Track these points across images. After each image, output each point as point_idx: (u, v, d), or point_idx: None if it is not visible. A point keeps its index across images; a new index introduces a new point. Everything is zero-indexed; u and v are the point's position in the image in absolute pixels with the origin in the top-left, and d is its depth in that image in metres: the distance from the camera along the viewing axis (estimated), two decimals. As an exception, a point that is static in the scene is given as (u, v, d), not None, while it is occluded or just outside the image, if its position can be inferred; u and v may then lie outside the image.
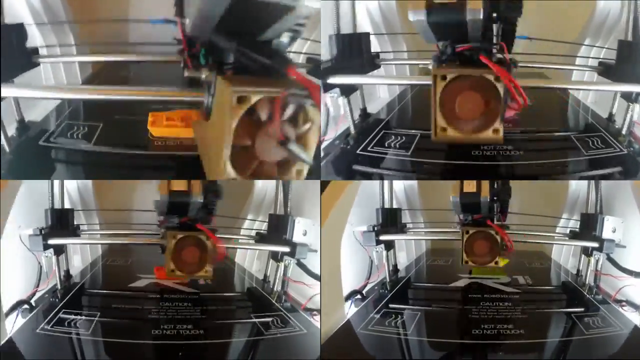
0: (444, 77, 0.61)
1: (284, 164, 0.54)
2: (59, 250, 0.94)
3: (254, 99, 0.49)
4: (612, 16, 1.06)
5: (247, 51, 0.50)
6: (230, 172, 0.51)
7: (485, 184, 0.91)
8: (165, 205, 0.86)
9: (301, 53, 0.93)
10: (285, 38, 0.53)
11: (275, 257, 0.99)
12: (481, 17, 0.59)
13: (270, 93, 0.48)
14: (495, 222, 0.95)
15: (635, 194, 1.00)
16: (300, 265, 0.95)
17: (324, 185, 0.87)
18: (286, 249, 0.95)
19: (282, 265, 0.97)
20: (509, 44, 0.65)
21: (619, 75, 0.83)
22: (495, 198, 0.94)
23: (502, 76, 0.59)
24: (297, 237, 0.95)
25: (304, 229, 0.94)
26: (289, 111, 0.50)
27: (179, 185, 0.85)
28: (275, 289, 0.99)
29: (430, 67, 0.69)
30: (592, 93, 1.09)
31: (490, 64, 0.59)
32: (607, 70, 0.86)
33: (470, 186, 0.91)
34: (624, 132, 0.85)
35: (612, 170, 0.76)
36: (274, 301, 0.95)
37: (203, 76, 0.55)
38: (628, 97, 0.82)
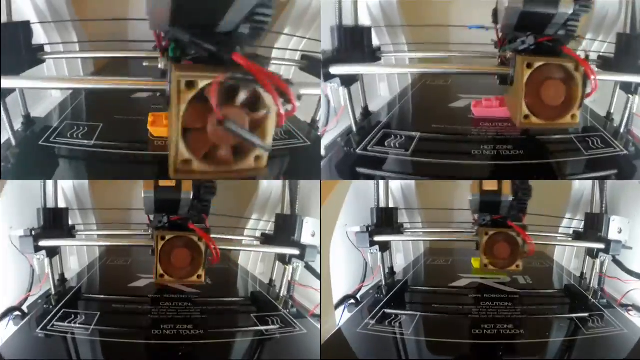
0: (529, 65, 0.64)
1: (242, 151, 0.55)
2: (52, 252, 0.91)
3: (201, 83, 0.51)
4: (612, 13, 1.06)
5: (199, 42, 0.52)
6: (183, 151, 0.53)
7: (507, 183, 0.88)
8: (152, 202, 0.80)
9: (297, 50, 0.93)
10: (244, 29, 0.54)
11: (283, 259, 0.96)
12: (571, 12, 0.63)
13: (210, 77, 0.51)
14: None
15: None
16: (309, 268, 0.92)
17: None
18: (295, 252, 0.92)
19: (289, 268, 0.94)
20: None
21: (618, 68, 0.84)
22: (515, 197, 0.90)
23: (584, 66, 0.63)
24: (305, 239, 0.92)
25: (313, 230, 0.91)
26: (241, 96, 0.52)
27: (167, 180, 0.79)
28: (281, 294, 0.96)
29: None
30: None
31: (574, 54, 0.64)
32: (606, 64, 0.86)
33: (490, 185, 0.88)
34: (622, 129, 0.86)
35: (607, 173, 0.76)
36: (280, 307, 0.93)
37: (160, 65, 0.59)
38: (627, 88, 0.83)
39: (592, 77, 0.63)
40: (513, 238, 0.89)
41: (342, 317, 0.87)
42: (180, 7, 0.50)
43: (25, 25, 0.82)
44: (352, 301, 0.92)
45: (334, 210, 0.95)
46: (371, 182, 1.03)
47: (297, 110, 0.52)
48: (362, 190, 1.04)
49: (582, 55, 0.66)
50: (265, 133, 0.55)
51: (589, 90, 0.65)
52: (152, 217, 0.86)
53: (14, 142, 0.80)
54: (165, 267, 0.81)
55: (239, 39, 0.54)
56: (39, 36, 1.00)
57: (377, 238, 0.97)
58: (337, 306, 0.90)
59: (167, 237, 0.80)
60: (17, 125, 0.85)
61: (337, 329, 0.82)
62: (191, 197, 0.81)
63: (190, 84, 0.51)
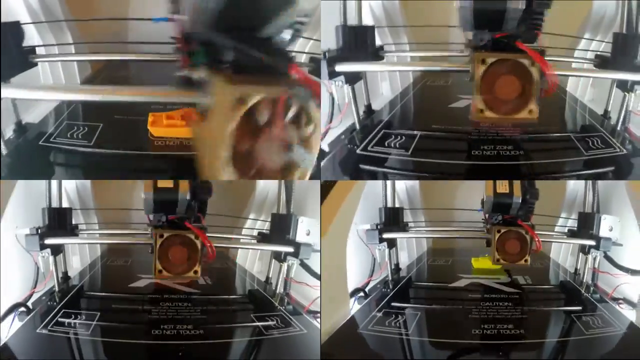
0: (483, 61, 0.66)
1: (286, 167, 0.54)
2: (57, 250, 0.92)
3: (255, 99, 0.47)
4: (609, 13, 1.07)
5: (246, 48, 0.48)
6: (231, 174, 0.50)
7: (517, 185, 0.93)
8: (151, 202, 0.83)
9: (304, 52, 0.93)
10: (286, 35, 0.51)
11: (278, 257, 0.98)
12: (522, 7, 0.64)
13: (272, 93, 0.47)
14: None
15: (629, 194, 1.01)
16: (304, 265, 0.94)
17: (329, 185, 0.86)
18: (290, 249, 0.94)
19: (285, 265, 0.96)
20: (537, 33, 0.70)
21: (614, 67, 0.85)
22: (524, 199, 0.95)
23: (539, 61, 0.64)
24: (300, 237, 0.94)
25: (308, 229, 0.93)
26: (292, 112, 0.49)
27: (165, 182, 0.82)
28: (277, 291, 0.98)
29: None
30: (589, 91, 1.10)
31: (528, 49, 0.65)
32: (603, 63, 0.88)
33: (503, 187, 0.93)
34: (619, 127, 0.87)
35: (605, 170, 0.78)
36: (276, 303, 0.95)
37: (196, 75, 0.53)
38: (623, 86, 0.85)
39: (548, 71, 0.64)
40: (522, 235, 0.95)
41: (352, 308, 0.91)
42: (226, 9, 0.46)
43: (15, 26, 0.79)
44: (362, 294, 0.96)
45: (351, 209, 0.97)
46: (378, 185, 1.06)
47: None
48: (370, 192, 1.05)
49: (539, 51, 0.66)
50: (313, 148, 0.52)
51: (549, 86, 0.66)
52: (151, 216, 0.87)
53: (5, 151, 0.79)
54: (164, 263, 0.84)
55: (284, 45, 0.51)
56: (32, 37, 0.95)
57: (385, 235, 1.02)
58: (350, 296, 0.94)
59: (165, 235, 0.83)
60: (9, 133, 0.84)
61: (349, 318, 0.84)
62: (188, 197, 0.83)
63: (241, 100, 0.47)
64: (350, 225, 0.98)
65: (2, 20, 0.78)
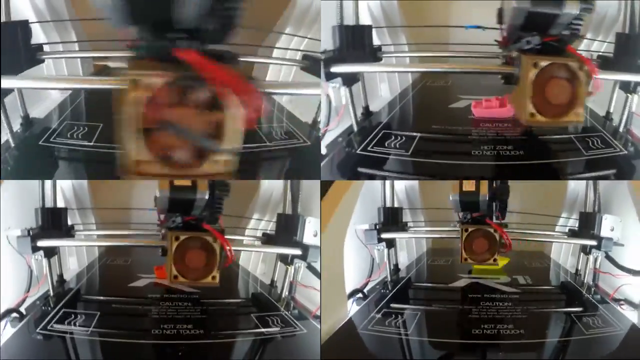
0: (535, 65, 0.66)
1: (202, 154, 0.53)
2: (51, 252, 0.90)
3: (147, 81, 0.49)
4: (611, 13, 1.07)
5: (151, 39, 0.51)
6: (134, 152, 0.51)
7: (484, 183, 0.93)
8: (166, 202, 0.78)
9: (299, 50, 0.93)
10: (208, 25, 0.51)
11: (284, 259, 0.96)
12: (576, 12, 0.65)
13: (155, 76, 0.49)
14: (494, 221, 0.96)
15: (631, 194, 1.01)
16: (311, 268, 0.92)
17: (327, 185, 0.86)
18: (297, 252, 0.92)
19: (291, 268, 0.94)
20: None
21: (617, 67, 0.85)
22: (494, 197, 0.96)
23: (588, 65, 0.65)
24: (307, 239, 0.91)
25: (315, 230, 0.91)
26: (195, 96, 0.49)
27: (182, 180, 0.77)
28: (283, 295, 0.96)
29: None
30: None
31: (578, 54, 0.66)
32: (605, 63, 0.87)
33: (469, 185, 0.93)
34: (621, 128, 0.87)
35: (606, 172, 0.77)
36: (282, 308, 0.93)
37: (113, 66, 0.58)
38: (626, 87, 0.85)
39: (595, 76, 0.65)
40: (490, 234, 0.95)
41: (350, 309, 0.90)
42: (135, 1, 0.48)
43: (24, 25, 0.81)
44: (360, 295, 0.95)
45: (348, 209, 0.96)
46: (377, 184, 1.05)
47: (263, 113, 0.50)
48: (368, 191, 1.05)
49: (586, 55, 0.68)
50: (225, 135, 0.52)
51: (591, 89, 0.66)
52: (162, 216, 0.84)
53: (12, 143, 0.79)
54: (179, 268, 0.79)
55: (203, 35, 0.51)
56: (38, 36, 0.98)
57: (384, 235, 1.01)
58: (348, 297, 0.93)
59: (182, 238, 0.79)
60: (16, 127, 0.84)
61: (347, 320, 0.83)
62: (207, 197, 0.79)
63: (137, 84, 0.50)
64: (347, 225, 0.98)
65: (12, 19, 0.80)
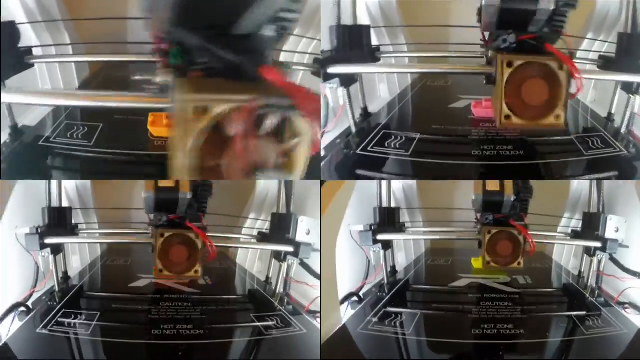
0: (509, 64, 0.63)
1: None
2: (56, 249, 0.93)
3: (220, 109, 0.39)
4: (612, 13, 1.06)
5: (213, 48, 0.41)
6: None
7: (509, 183, 0.90)
8: (152, 202, 0.84)
9: (307, 53, 0.92)
10: (268, 31, 0.43)
11: (278, 257, 0.98)
12: (552, 7, 0.62)
13: (237, 102, 0.39)
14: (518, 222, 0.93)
15: (638, 194, 1.00)
16: (304, 265, 0.94)
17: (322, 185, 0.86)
18: (289, 249, 0.94)
19: (284, 265, 0.96)
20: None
21: (619, 68, 0.83)
22: (517, 197, 0.93)
23: (568, 64, 0.61)
24: (300, 237, 0.94)
25: (308, 228, 0.93)
26: (269, 124, 0.41)
27: (166, 181, 0.83)
28: (277, 291, 0.98)
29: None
30: (591, 92, 1.09)
31: (557, 52, 0.62)
32: (607, 64, 0.86)
33: (493, 185, 0.90)
34: (623, 129, 0.86)
35: (608, 174, 0.77)
36: (276, 303, 0.94)
37: (159, 79, 0.46)
38: (628, 88, 0.83)
39: (577, 75, 0.61)
40: (515, 236, 0.92)
41: (345, 314, 0.88)
42: (188, 1, 0.40)
43: (10, 26, 0.78)
44: (355, 298, 0.93)
45: (340, 209, 0.96)
46: (374, 183, 1.04)
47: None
48: (364, 191, 1.04)
49: (568, 54, 0.64)
50: (296, 165, 0.45)
51: (574, 89, 0.62)
52: (152, 216, 0.88)
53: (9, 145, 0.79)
54: (164, 262, 0.85)
55: (264, 44, 0.43)
56: (29, 38, 0.95)
57: (380, 237, 0.99)
58: (341, 303, 0.91)
59: (166, 235, 0.84)
60: (5, 137, 0.83)
61: (341, 325, 0.83)
62: (189, 197, 0.84)
63: (202, 110, 0.40)
64: (339, 226, 0.97)
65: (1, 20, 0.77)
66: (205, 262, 0.87)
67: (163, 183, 0.83)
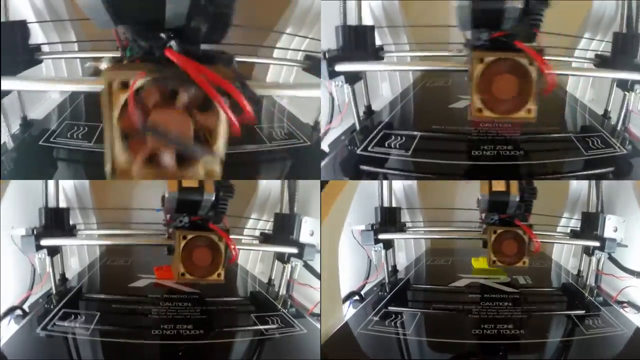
0: (481, 60, 0.65)
1: (187, 160, 0.51)
2: (54, 251, 0.92)
3: (138, 82, 0.46)
4: (609, 13, 1.07)
5: (137, 38, 0.49)
6: (120, 156, 0.49)
7: (514, 184, 0.92)
8: (175, 202, 0.81)
9: (300, 50, 0.93)
10: (198, 24, 0.49)
11: (281, 258, 0.97)
12: (521, 6, 0.63)
13: (133, 77, 0.46)
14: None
15: (636, 194, 1.00)
16: (308, 267, 0.93)
17: (322, 185, 0.86)
18: (294, 250, 0.93)
19: (288, 267, 0.95)
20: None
21: (614, 66, 0.86)
22: (522, 198, 0.94)
23: (537, 60, 0.64)
24: (304, 238, 0.93)
25: (311, 229, 0.92)
26: (182, 98, 0.47)
27: (190, 181, 0.80)
28: (280, 293, 0.97)
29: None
30: (589, 90, 1.10)
31: (527, 49, 0.64)
32: (603, 62, 0.88)
33: (499, 185, 0.92)
34: (619, 127, 0.87)
35: (604, 171, 0.77)
36: (279, 306, 0.94)
37: (102, 66, 0.52)
38: (624, 86, 0.85)
39: (547, 71, 0.63)
40: (520, 236, 0.93)
41: (347, 312, 0.89)
42: (118, 1, 0.47)
43: (22, 25, 0.81)
44: (357, 297, 0.94)
45: (343, 209, 0.96)
46: (374, 183, 1.05)
47: (253, 117, 0.47)
48: (366, 191, 1.05)
49: (538, 50, 0.65)
50: (215, 139, 0.50)
51: (544, 85, 0.65)
52: (168, 216, 0.86)
53: (12, 144, 0.79)
54: (187, 265, 0.82)
55: (194, 34, 0.50)
56: (37, 36, 0.98)
57: (381, 236, 1.00)
58: (344, 300, 0.92)
59: (189, 237, 0.82)
60: (15, 128, 0.84)
61: (343, 324, 0.83)
62: (213, 198, 0.82)
63: (124, 84, 0.47)
64: (342, 226, 0.97)
65: (10, 19, 0.80)
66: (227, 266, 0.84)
67: (187, 183, 0.80)
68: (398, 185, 1.26)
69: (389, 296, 0.97)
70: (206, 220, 0.84)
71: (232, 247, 0.83)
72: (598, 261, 1.02)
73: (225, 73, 0.48)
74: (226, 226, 0.86)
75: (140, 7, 0.47)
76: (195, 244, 0.82)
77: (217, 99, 0.46)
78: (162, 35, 0.49)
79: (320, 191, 0.86)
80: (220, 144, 0.50)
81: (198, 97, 0.48)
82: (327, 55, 0.81)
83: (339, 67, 0.81)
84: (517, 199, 0.92)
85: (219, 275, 0.82)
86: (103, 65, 0.52)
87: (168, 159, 0.50)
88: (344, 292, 0.93)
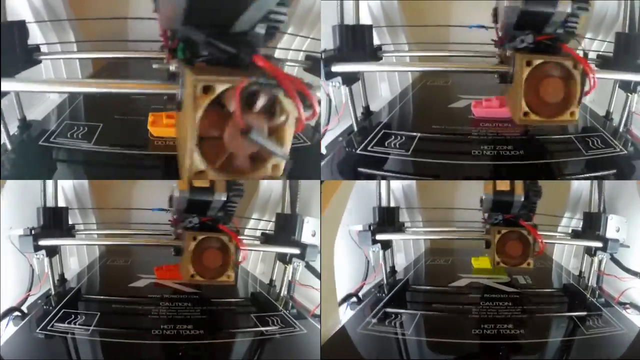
0: (528, 63, 0.65)
1: (258, 159, 0.53)
2: (52, 251, 0.91)
3: (219, 88, 0.47)
4: (610, 13, 1.06)
5: (216, 42, 0.49)
6: (198, 162, 0.50)
7: (519, 183, 0.91)
8: (185, 202, 0.80)
9: (301, 50, 0.93)
10: (259, 29, 0.51)
11: (283, 259, 0.97)
12: (569, 10, 0.64)
13: (233, 82, 0.47)
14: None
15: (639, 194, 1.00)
16: (309, 268, 0.93)
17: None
18: (296, 251, 0.93)
19: (290, 268, 0.95)
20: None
21: (617, 67, 0.85)
22: (526, 198, 0.93)
23: (583, 63, 0.64)
24: (306, 238, 0.93)
25: (313, 230, 0.92)
26: (261, 102, 0.49)
27: (201, 181, 0.79)
28: (281, 294, 0.97)
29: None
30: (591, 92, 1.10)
31: (573, 53, 0.65)
32: (605, 63, 0.87)
33: (503, 185, 0.91)
34: (621, 128, 0.86)
35: (606, 173, 0.77)
36: (280, 307, 0.93)
37: (172, 67, 0.54)
38: (626, 87, 0.85)
39: (591, 74, 0.64)
40: (524, 236, 0.92)
41: (344, 315, 0.88)
42: (194, 4, 0.48)
43: (21, 25, 0.80)
44: (354, 299, 0.93)
45: (338, 209, 0.96)
46: (373, 182, 1.04)
47: (317, 114, 0.50)
48: (363, 190, 1.04)
49: (581, 54, 0.67)
50: (284, 140, 0.51)
51: (587, 88, 0.65)
52: (174, 216, 0.85)
53: (10, 146, 0.79)
54: (197, 267, 0.81)
55: (256, 39, 0.52)
56: (35, 36, 0.98)
57: (379, 237, 0.99)
58: (340, 304, 0.91)
59: (199, 238, 0.81)
60: (13, 130, 0.84)
61: (340, 326, 0.82)
62: (224, 198, 0.81)
63: (207, 89, 0.48)
64: (338, 226, 0.97)
65: (9, 19, 0.80)
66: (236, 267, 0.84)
67: (198, 183, 0.79)
68: (397, 184, 1.25)
69: (387, 297, 0.97)
70: (216, 221, 0.83)
71: (242, 248, 0.82)
72: (600, 262, 1.01)
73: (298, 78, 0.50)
74: (236, 227, 0.85)
75: (217, 11, 0.49)
76: (206, 245, 0.81)
77: (296, 102, 0.47)
78: (250, 40, 0.51)
79: (321, 191, 0.86)
80: (289, 144, 0.52)
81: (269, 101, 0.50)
82: (323, 56, 0.81)
83: (336, 68, 0.80)
84: (522, 198, 0.91)
85: (228, 276, 0.82)
86: (172, 67, 0.54)
87: (242, 161, 0.51)
88: (340, 294, 0.93)
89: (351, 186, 0.99)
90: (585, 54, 0.67)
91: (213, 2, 0.48)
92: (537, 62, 0.64)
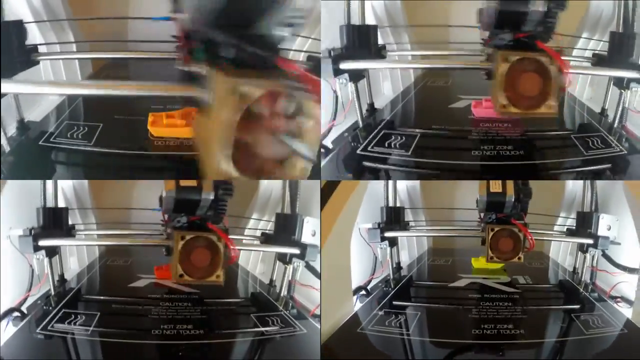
0: (506, 59, 0.69)
1: (286, 162, 0.54)
2: (52, 252, 0.91)
3: (257, 94, 0.48)
4: (606, 13, 1.08)
5: (241, 44, 0.50)
6: (231, 169, 0.50)
7: (510, 185, 0.97)
8: (172, 202, 0.79)
9: (302, 51, 0.93)
10: (282, 32, 0.52)
11: (283, 259, 0.97)
12: (544, 9, 0.68)
13: (272, 87, 0.48)
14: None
15: (626, 194, 1.02)
16: (309, 267, 0.93)
17: (331, 184, 0.86)
18: (296, 251, 0.93)
19: (290, 268, 0.95)
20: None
21: (611, 65, 0.88)
22: (518, 198, 0.99)
23: (558, 59, 0.68)
24: (306, 238, 0.93)
25: (313, 230, 0.92)
26: (290, 106, 0.50)
27: (188, 180, 0.79)
28: (282, 294, 0.97)
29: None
30: (587, 90, 1.11)
31: (548, 49, 0.69)
32: (600, 61, 0.90)
33: (496, 186, 0.97)
34: (616, 125, 0.89)
35: (601, 167, 0.78)
36: (280, 307, 0.93)
37: (195, 69, 0.54)
38: (620, 84, 0.87)
39: (566, 70, 0.67)
40: (515, 234, 0.98)
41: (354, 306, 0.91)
42: (222, 6, 0.49)
43: (18, 25, 0.79)
44: (363, 292, 0.97)
45: (354, 208, 0.97)
46: (380, 185, 1.07)
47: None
48: (371, 192, 1.06)
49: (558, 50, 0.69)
50: (312, 143, 0.52)
51: (566, 83, 0.69)
52: (166, 216, 0.85)
53: (9, 147, 0.78)
54: (185, 267, 0.80)
55: (279, 42, 0.53)
56: (34, 36, 0.96)
57: (387, 234, 1.04)
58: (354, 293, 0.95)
59: (187, 237, 0.80)
60: (12, 131, 0.83)
61: (352, 314, 0.85)
62: (212, 197, 0.81)
63: (244, 94, 0.48)
64: (353, 224, 0.98)
65: (5, 19, 0.78)
66: (226, 267, 0.82)
67: (185, 182, 0.79)
68: (401, 185, 1.28)
69: (393, 291, 1.01)
70: (205, 220, 0.82)
71: (232, 247, 0.81)
72: (592, 258, 1.05)
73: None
74: (225, 226, 0.84)
75: (241, 13, 0.50)
76: (194, 245, 0.80)
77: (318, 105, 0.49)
78: (273, 42, 0.52)
79: (328, 190, 0.86)
80: (317, 147, 0.54)
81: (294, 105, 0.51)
82: (332, 54, 0.83)
83: (344, 65, 0.83)
84: (513, 199, 0.97)
85: (217, 276, 0.81)
86: (203, 70, 0.53)
87: (272, 165, 0.53)
88: (353, 287, 0.96)
89: (365, 187, 1.01)
90: (561, 50, 0.70)
91: (237, 4, 0.49)
92: (513, 58, 0.68)
